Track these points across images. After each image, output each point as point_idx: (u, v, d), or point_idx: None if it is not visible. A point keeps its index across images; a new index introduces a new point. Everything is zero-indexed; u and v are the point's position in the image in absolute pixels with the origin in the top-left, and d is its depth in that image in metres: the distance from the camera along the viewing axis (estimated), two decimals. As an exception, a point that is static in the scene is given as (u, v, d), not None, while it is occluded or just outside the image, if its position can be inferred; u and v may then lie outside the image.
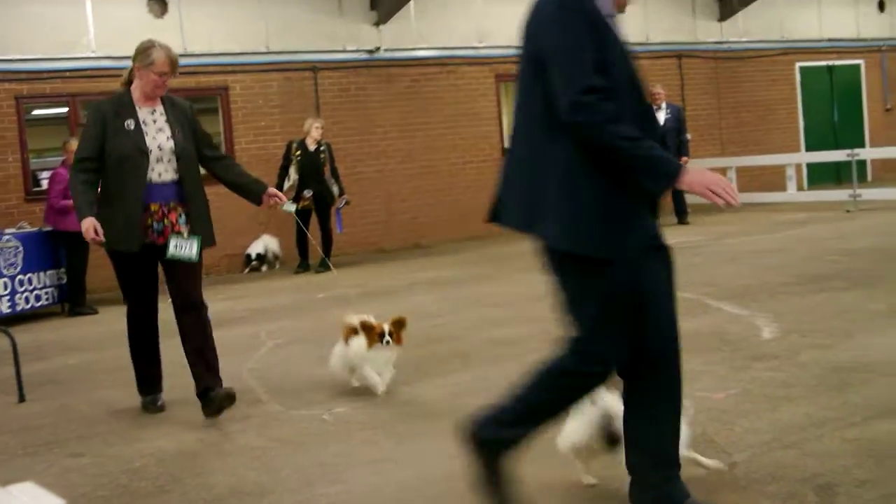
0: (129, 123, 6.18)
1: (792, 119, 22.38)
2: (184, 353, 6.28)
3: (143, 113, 6.26)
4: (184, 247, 6.24)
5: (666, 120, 16.41)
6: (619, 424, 4.00)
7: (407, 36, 17.24)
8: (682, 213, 16.64)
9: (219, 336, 6.49)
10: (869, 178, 22.46)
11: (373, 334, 6.46)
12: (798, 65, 22.48)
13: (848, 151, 17.45)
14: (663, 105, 16.57)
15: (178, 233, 6.24)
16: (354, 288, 11.11)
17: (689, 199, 16.98)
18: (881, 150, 21.30)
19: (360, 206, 16.28)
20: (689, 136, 17.08)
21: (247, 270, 15.17)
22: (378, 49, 16.97)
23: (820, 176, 21.36)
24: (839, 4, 23.21)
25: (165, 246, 6.21)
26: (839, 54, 23.32)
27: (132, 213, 6.15)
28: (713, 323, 7.97)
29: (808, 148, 21.98)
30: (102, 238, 6.08)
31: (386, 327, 6.47)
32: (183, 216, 6.31)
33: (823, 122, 22.83)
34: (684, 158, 16.44)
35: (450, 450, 5.12)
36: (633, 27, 19.58)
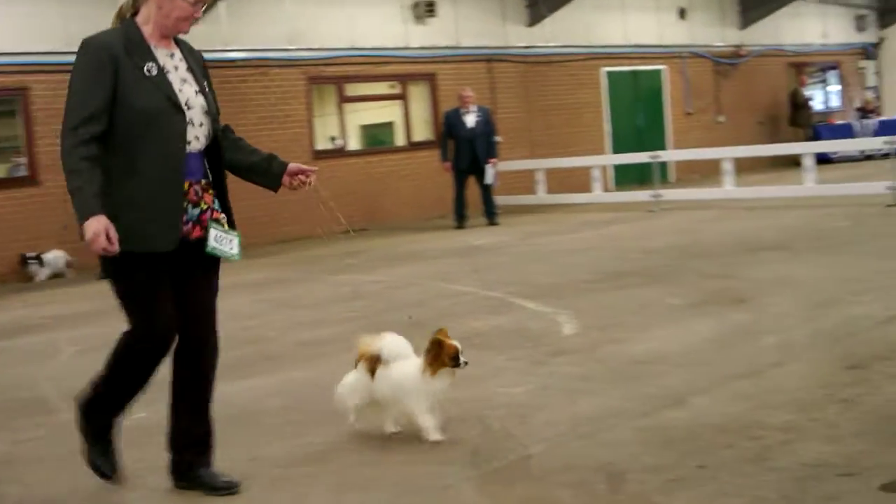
0: (151, 68, 4.32)
1: (598, 122, 23.00)
2: (170, 405, 4.60)
3: (160, 56, 4.40)
4: (224, 241, 4.54)
5: (476, 122, 16.64)
6: None
7: (217, 37, 16.94)
8: (491, 214, 16.87)
9: (14, 345, 6.23)
10: (672, 179, 23.29)
11: (441, 356, 4.91)
12: (604, 69, 23.13)
13: (651, 154, 18.04)
14: (473, 108, 16.80)
15: (217, 220, 4.52)
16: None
17: (499, 199, 17.30)
18: (682, 153, 22.14)
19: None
20: (499, 138, 17.34)
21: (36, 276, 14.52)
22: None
23: (626, 177, 22.01)
24: (642, 11, 23.99)
25: (199, 241, 4.44)
26: (643, 60, 24.12)
27: (171, 194, 4.32)
28: (516, 320, 8.11)
29: (615, 150, 22.64)
30: (116, 246, 4.13)
31: (458, 345, 4.96)
32: (216, 199, 4.60)
33: (629, 125, 23.55)
34: (493, 160, 16.73)
35: (251, 453, 5.08)
36: (444, 32, 19.82)
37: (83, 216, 4.09)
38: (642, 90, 24.15)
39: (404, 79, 19.69)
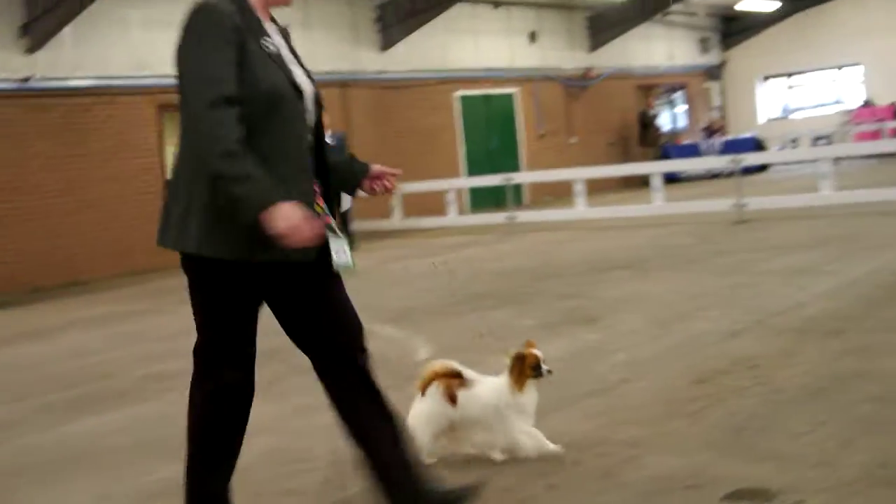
0: (270, 44, 3.63)
1: (452, 146, 23.20)
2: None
3: (270, 31, 3.72)
4: (340, 252, 3.77)
5: (332, 148, 16.56)
6: None
7: (62, 64, 16.52)
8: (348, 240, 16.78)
9: None
10: (526, 200, 23.61)
11: (524, 369, 4.66)
12: (457, 93, 23.35)
13: (504, 176, 18.24)
14: (329, 133, 16.73)
15: (331, 227, 3.75)
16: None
17: (355, 225, 17.25)
18: (535, 175, 22.51)
19: (14, 242, 15.45)
20: (353, 163, 17.28)
21: None
22: (31, 78, 16.18)
23: (481, 200, 22.21)
24: (494, 35, 24.33)
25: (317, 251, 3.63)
26: (495, 83, 24.43)
27: (303, 195, 3.58)
28: (372, 346, 8.04)
29: (470, 173, 22.85)
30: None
31: (539, 354, 4.72)
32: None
33: (483, 148, 23.81)
34: (350, 186, 16.65)
35: (100, 490, 4.92)
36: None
37: (265, 204, 3.33)
38: (495, 113, 24.46)
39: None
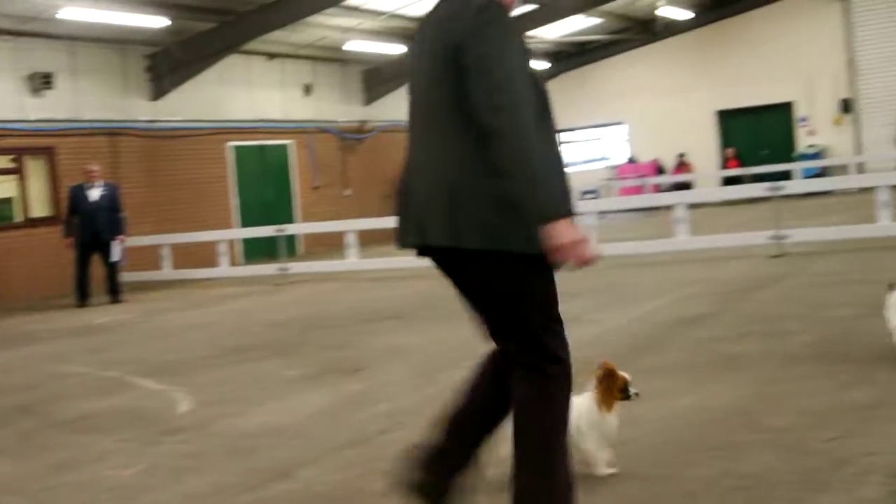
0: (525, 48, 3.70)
1: (225, 196, 22.95)
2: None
3: None
4: None
5: (101, 197, 16.13)
6: None
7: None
8: (115, 291, 16.33)
9: None
10: (301, 251, 23.58)
11: (612, 389, 4.52)
12: (231, 144, 23.16)
13: (276, 227, 18.17)
14: (99, 183, 16.29)
15: None
16: None
17: (124, 276, 16.81)
18: (307, 226, 22.53)
19: None
20: (124, 213, 16.87)
21: None
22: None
23: (256, 251, 22.05)
24: (268, 87, 24.31)
25: None
26: (270, 134, 24.37)
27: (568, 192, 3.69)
28: (131, 400, 7.87)
29: (244, 224, 22.65)
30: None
31: (628, 376, 4.63)
32: None
33: (257, 199, 23.66)
34: (120, 237, 16.26)
35: None
36: (63, 104, 19.18)
37: (555, 214, 3.39)
38: (270, 164, 24.39)
39: (21, 152, 18.84)
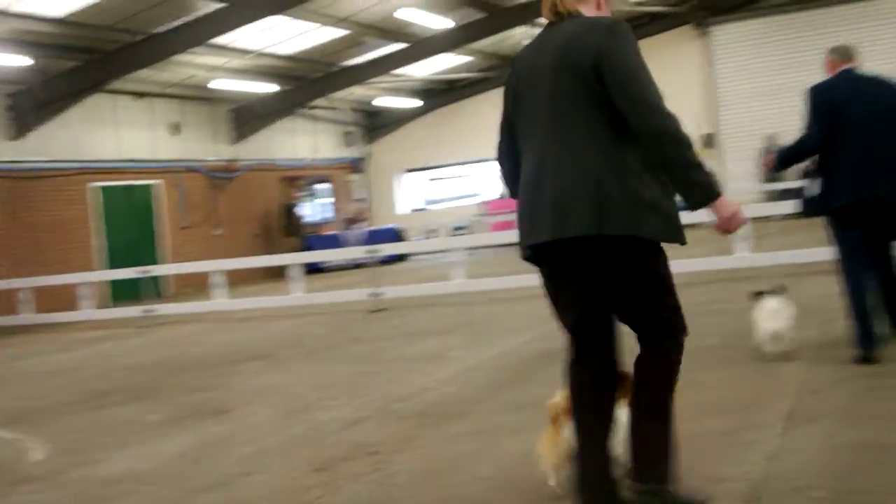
0: None
1: (88, 238, 22.38)
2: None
3: None
4: None
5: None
6: None
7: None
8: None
9: None
10: (170, 293, 23.13)
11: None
12: (95, 184, 22.64)
13: (141, 269, 17.77)
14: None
15: None
16: None
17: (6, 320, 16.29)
18: (174, 266, 22.08)
19: None
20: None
21: None
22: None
23: (123, 293, 21.52)
24: (135, 127, 23.86)
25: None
26: (137, 174, 23.91)
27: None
28: (-17, 450, 7.60)
29: (111, 266, 22.07)
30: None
31: None
32: None
33: (124, 240, 23.14)
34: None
35: None
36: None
37: (719, 191, 4.02)
38: (137, 205, 23.91)
39: None
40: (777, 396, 6.46)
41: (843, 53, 7.43)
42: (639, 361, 4.23)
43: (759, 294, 7.69)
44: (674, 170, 4.01)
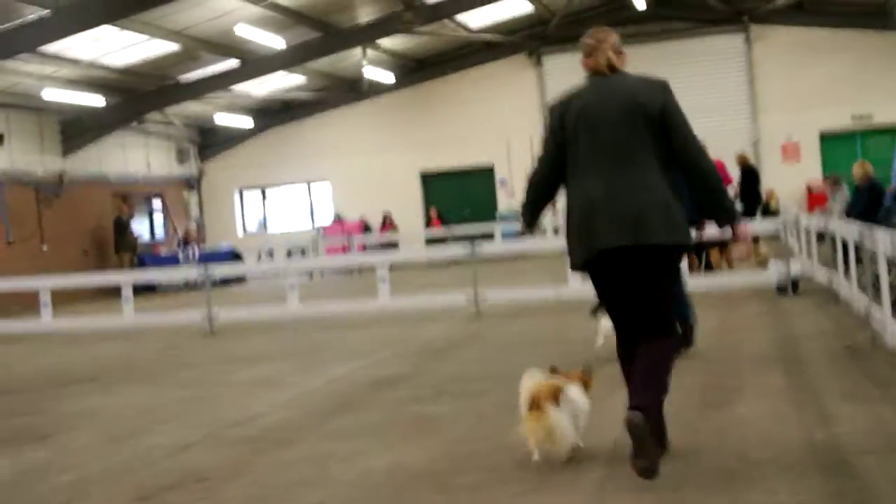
0: None
1: None
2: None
3: None
4: None
5: None
6: None
7: None
8: None
9: None
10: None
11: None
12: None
13: (-37, 284, 17.07)
14: None
15: None
16: None
17: None
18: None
19: None
20: None
21: None
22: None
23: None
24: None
25: None
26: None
27: None
28: None
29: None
30: None
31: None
32: None
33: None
34: None
35: None
36: None
37: (738, 215, 5.65)
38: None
39: None
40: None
41: None
42: (653, 350, 5.37)
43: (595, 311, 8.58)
44: (713, 196, 5.40)
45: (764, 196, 22.44)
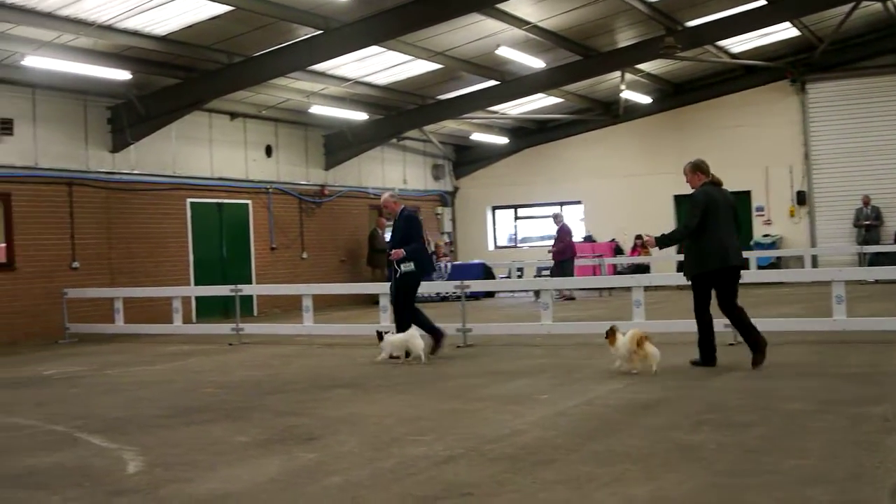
0: None
1: (182, 252, 22.76)
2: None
3: None
4: None
5: None
6: None
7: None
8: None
9: None
10: (255, 312, 23.39)
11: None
12: (189, 200, 23.03)
13: (232, 287, 17.93)
14: None
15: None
16: None
17: (76, 327, 16.57)
18: (264, 287, 22.38)
19: None
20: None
21: None
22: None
23: (209, 310, 21.86)
24: (230, 146, 24.30)
25: None
26: (229, 193, 24.27)
27: None
28: (79, 457, 7.70)
29: (199, 281, 22.44)
30: None
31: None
32: None
33: (213, 257, 23.49)
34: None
35: None
36: (22, 152, 18.99)
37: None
38: (228, 223, 24.26)
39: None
40: (882, 469, 6.31)
41: None
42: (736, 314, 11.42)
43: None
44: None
45: None
